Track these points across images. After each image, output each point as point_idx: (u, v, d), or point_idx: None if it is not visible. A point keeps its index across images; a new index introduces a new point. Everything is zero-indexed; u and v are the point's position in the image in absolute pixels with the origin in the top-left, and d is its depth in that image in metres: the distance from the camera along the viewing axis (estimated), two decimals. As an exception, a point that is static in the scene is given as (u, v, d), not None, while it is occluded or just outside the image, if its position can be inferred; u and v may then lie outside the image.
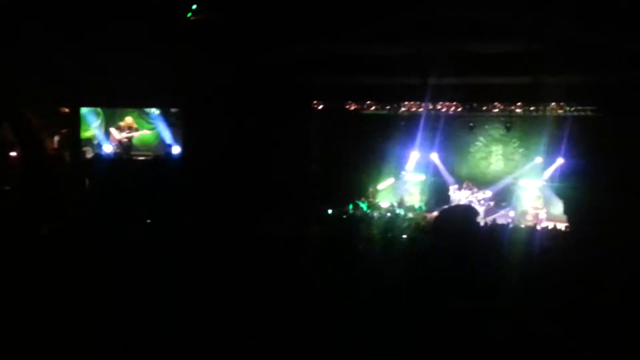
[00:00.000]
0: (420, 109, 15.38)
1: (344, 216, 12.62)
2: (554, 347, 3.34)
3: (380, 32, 10.73)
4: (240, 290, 3.60)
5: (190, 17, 10.10)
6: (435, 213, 15.04)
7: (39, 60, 10.94)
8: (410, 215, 14.62)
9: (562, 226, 12.71)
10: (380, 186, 16.69)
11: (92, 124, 13.51)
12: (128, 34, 10.25)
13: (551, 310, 3.65)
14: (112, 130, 13.55)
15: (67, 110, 13.20)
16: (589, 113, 13.79)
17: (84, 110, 13.30)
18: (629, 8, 8.64)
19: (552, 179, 15.27)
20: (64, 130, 13.06)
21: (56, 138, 12.96)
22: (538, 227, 13.72)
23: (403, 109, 15.60)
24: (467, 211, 4.27)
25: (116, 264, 3.86)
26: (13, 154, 10.66)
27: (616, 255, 4.50)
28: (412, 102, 15.31)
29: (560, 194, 14.62)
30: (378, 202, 16.03)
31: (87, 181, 12.41)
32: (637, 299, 3.65)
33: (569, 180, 14.21)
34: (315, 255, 4.46)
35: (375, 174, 16.54)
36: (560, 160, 14.84)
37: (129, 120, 13.66)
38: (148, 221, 5.20)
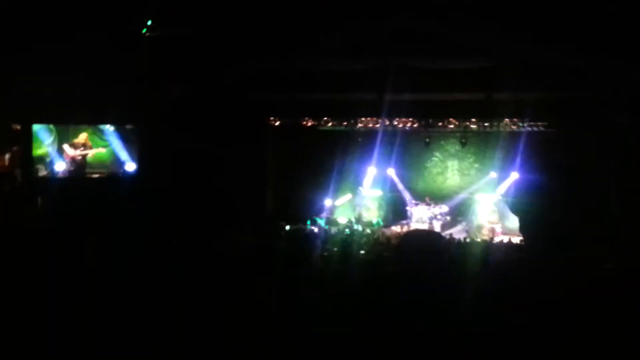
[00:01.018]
0: (377, 125, 15.48)
1: (302, 233, 12.61)
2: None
3: (334, 48, 10.80)
4: (185, 307, 3.55)
5: (145, 33, 10.01)
6: (393, 228, 15.22)
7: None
8: (368, 231, 14.67)
9: (516, 240, 12.92)
10: (338, 202, 16.71)
11: (44, 141, 13.21)
12: (82, 48, 10.09)
13: (508, 324, 3.69)
14: (66, 147, 13.26)
15: (18, 127, 12.89)
16: (541, 128, 14.08)
17: (36, 127, 12.99)
18: (580, 27, 8.88)
19: (506, 193, 15.52)
20: (15, 148, 12.75)
21: (7, 156, 12.64)
22: (494, 241, 13.93)
23: (360, 125, 15.68)
24: (435, 237, 4.30)
25: (67, 280, 3.77)
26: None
27: (569, 271, 4.59)
28: (368, 118, 15.39)
29: (514, 209, 14.84)
30: (336, 218, 16.04)
31: (39, 200, 12.14)
32: (587, 312, 3.72)
33: (523, 195, 14.47)
34: (275, 272, 4.43)
35: (333, 190, 16.55)
36: (514, 175, 15.10)
37: (83, 137, 13.39)
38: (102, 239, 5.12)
